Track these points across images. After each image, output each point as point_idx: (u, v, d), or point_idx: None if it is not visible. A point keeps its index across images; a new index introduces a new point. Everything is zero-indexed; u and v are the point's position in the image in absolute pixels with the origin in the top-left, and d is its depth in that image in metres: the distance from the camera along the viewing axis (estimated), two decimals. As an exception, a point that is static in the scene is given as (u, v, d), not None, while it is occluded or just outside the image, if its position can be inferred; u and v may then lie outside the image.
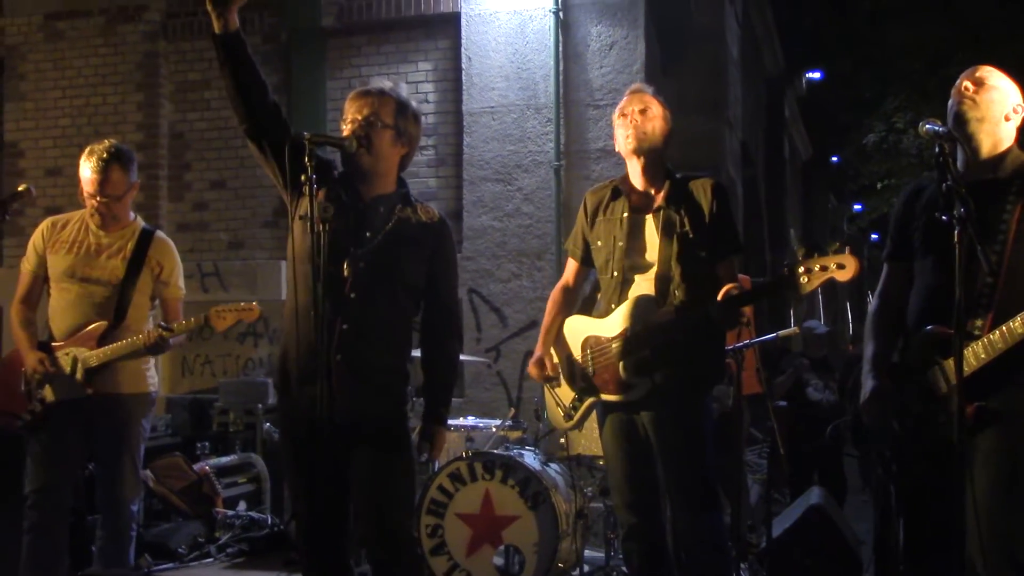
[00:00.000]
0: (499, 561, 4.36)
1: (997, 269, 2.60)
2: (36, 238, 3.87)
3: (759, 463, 6.63)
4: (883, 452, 2.88)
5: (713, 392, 3.41)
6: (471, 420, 5.18)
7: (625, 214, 3.30)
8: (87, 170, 3.74)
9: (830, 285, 2.98)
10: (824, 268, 2.78)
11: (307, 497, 2.84)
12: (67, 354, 3.72)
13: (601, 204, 3.38)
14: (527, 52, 6.60)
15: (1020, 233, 2.63)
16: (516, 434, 4.94)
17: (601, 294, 3.40)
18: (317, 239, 2.60)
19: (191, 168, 7.60)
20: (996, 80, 2.78)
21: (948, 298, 2.39)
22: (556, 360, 3.44)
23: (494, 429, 4.95)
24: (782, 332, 5.23)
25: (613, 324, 3.24)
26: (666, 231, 3.22)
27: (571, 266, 3.54)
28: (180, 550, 5.16)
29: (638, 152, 3.26)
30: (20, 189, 3.60)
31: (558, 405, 3.44)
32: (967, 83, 2.78)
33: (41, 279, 3.85)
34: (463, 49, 6.73)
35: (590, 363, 3.31)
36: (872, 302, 3.04)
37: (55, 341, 3.78)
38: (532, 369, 3.45)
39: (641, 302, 3.20)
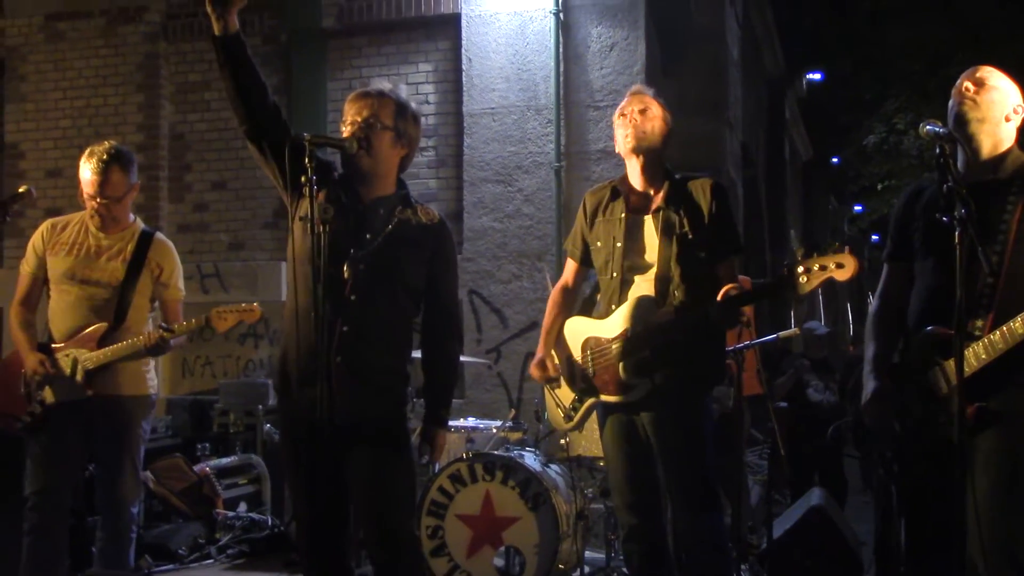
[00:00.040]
0: (499, 562, 4.36)
1: (998, 270, 2.59)
2: (36, 240, 3.86)
3: (760, 464, 6.64)
4: (884, 453, 2.88)
5: (713, 393, 3.41)
6: (471, 421, 5.18)
7: (624, 214, 3.29)
8: (87, 171, 3.73)
9: (830, 286, 2.98)
10: (823, 268, 2.78)
11: (307, 498, 2.84)
12: (67, 356, 3.71)
13: (600, 205, 3.38)
14: (527, 53, 6.60)
15: (1021, 234, 2.63)
16: (516, 435, 4.94)
17: (601, 295, 3.39)
18: (317, 240, 2.59)
19: (191, 169, 7.61)
20: (996, 80, 2.77)
21: (949, 299, 2.39)
22: (557, 361, 3.44)
23: (494, 430, 4.95)
24: (783, 333, 5.24)
25: (613, 325, 3.23)
26: (665, 232, 3.21)
27: (570, 266, 3.53)
28: (180, 551, 5.16)
29: (637, 151, 3.26)
30: (20, 190, 3.60)
31: (558, 406, 3.44)
32: (967, 84, 2.77)
33: (41, 281, 3.84)
34: (463, 50, 6.74)
35: (590, 364, 3.30)
36: (872, 303, 3.04)
37: (55, 343, 3.77)
38: (534, 370, 3.45)
39: (641, 303, 3.19)
